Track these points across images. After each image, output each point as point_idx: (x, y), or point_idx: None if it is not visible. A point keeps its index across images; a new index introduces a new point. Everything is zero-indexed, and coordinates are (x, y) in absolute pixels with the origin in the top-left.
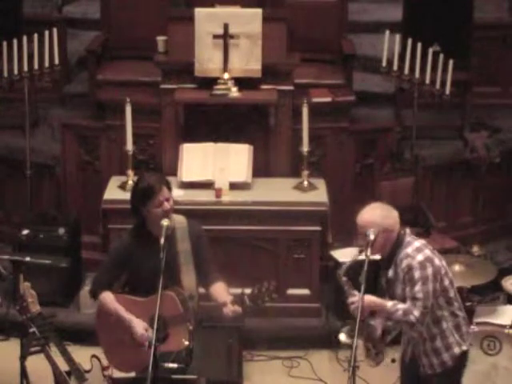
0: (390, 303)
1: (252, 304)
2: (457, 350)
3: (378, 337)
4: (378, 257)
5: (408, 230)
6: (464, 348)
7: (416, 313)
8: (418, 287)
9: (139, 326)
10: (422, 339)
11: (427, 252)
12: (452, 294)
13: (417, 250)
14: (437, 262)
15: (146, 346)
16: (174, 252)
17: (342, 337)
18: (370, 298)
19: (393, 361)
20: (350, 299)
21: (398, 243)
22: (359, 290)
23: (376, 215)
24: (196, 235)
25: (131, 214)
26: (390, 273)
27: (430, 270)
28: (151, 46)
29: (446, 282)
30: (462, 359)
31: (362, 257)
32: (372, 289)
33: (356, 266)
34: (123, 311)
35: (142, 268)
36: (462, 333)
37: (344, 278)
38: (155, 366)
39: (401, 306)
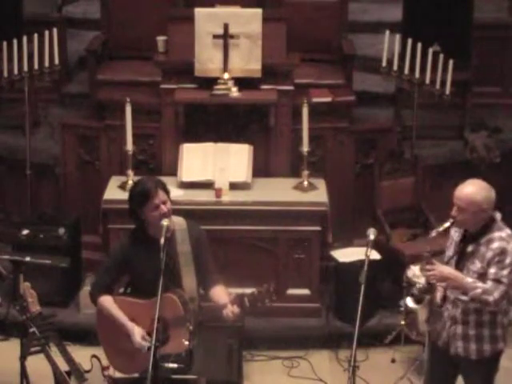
0: (469, 279)
1: (251, 306)
2: (501, 346)
3: (437, 304)
4: (377, 257)
5: (500, 215)
6: (505, 347)
7: (496, 295)
8: (506, 272)
9: (137, 334)
10: (464, 322)
11: None
12: None
13: (510, 237)
14: None
15: (145, 350)
16: (174, 254)
17: (409, 301)
18: (449, 270)
19: (393, 361)
20: (429, 266)
21: (489, 224)
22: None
23: (478, 194)
24: (196, 237)
25: (130, 218)
26: (470, 249)
27: None
28: (151, 46)
29: None
30: (499, 356)
31: (447, 227)
32: (371, 288)
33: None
34: (122, 317)
35: (143, 270)
36: (507, 331)
37: (428, 248)
38: (155, 366)
39: (481, 284)
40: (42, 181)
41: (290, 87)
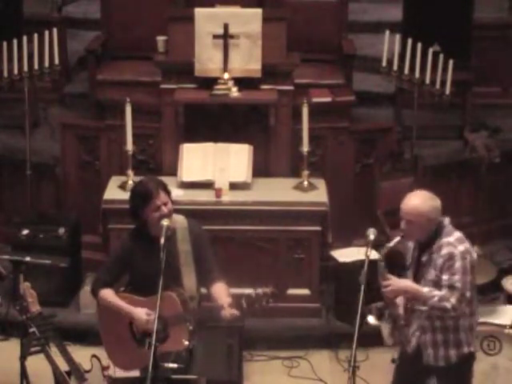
0: (425, 289)
1: (249, 307)
2: (465, 350)
3: (401, 316)
4: (377, 257)
5: (448, 219)
6: (472, 349)
7: (453, 300)
8: (457, 277)
9: (140, 313)
10: (432, 328)
11: (467, 244)
12: (474, 292)
13: (458, 240)
14: (474, 256)
15: (146, 346)
16: (174, 253)
17: (371, 319)
18: (406, 283)
19: (393, 361)
20: (385, 282)
21: (438, 231)
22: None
23: (423, 204)
24: (196, 235)
25: (130, 218)
26: (424, 258)
27: (468, 262)
28: (151, 46)
29: (474, 280)
30: (468, 360)
31: (398, 242)
32: (370, 288)
33: (394, 251)
34: (122, 303)
35: (144, 268)
36: (473, 334)
37: (381, 263)
38: (155, 365)
39: (437, 292)
40: (42, 181)
41: (290, 87)
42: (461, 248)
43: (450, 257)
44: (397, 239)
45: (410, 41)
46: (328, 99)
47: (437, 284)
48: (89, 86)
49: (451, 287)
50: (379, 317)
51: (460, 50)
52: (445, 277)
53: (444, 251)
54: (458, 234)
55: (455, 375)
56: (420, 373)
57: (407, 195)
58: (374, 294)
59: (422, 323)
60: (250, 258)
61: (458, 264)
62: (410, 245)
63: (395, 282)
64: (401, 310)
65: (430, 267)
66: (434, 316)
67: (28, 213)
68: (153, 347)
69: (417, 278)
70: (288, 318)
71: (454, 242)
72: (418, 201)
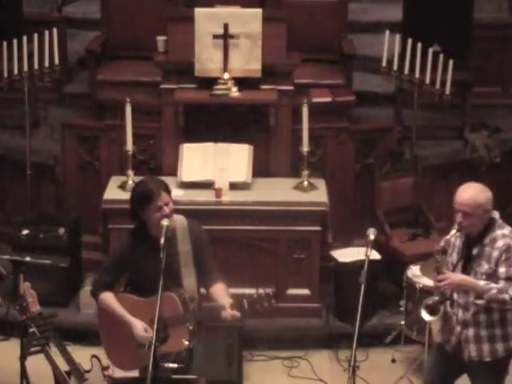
0: (482, 282)
1: (250, 308)
2: None
3: (448, 311)
4: (377, 257)
5: (497, 213)
6: None
7: (511, 292)
8: None
9: (139, 327)
10: (475, 323)
11: None
12: None
13: None
14: None
15: (146, 347)
16: (174, 253)
17: (424, 315)
18: (460, 277)
19: (393, 361)
20: (440, 276)
21: (490, 224)
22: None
23: (479, 196)
24: (196, 236)
25: (131, 218)
26: (475, 251)
27: None
28: (151, 46)
29: None
30: (511, 358)
31: (455, 234)
32: (371, 288)
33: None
34: (123, 312)
35: (144, 269)
36: None
37: (438, 256)
38: (155, 365)
39: (494, 285)
40: (42, 181)
41: (290, 87)
42: None
43: (507, 249)
44: (453, 232)
45: (410, 41)
46: (328, 99)
47: (490, 277)
48: (89, 86)
49: (509, 279)
50: (432, 312)
51: (460, 50)
52: (502, 269)
53: (500, 243)
54: (510, 228)
55: (500, 369)
56: (453, 371)
57: (460, 188)
58: (377, 297)
59: (466, 319)
60: (250, 258)
61: None
62: (453, 240)
63: (452, 276)
64: (448, 306)
65: (481, 260)
66: (481, 310)
67: (28, 213)
68: (153, 347)
69: (466, 272)
70: (288, 318)
71: (509, 234)
72: (474, 192)
